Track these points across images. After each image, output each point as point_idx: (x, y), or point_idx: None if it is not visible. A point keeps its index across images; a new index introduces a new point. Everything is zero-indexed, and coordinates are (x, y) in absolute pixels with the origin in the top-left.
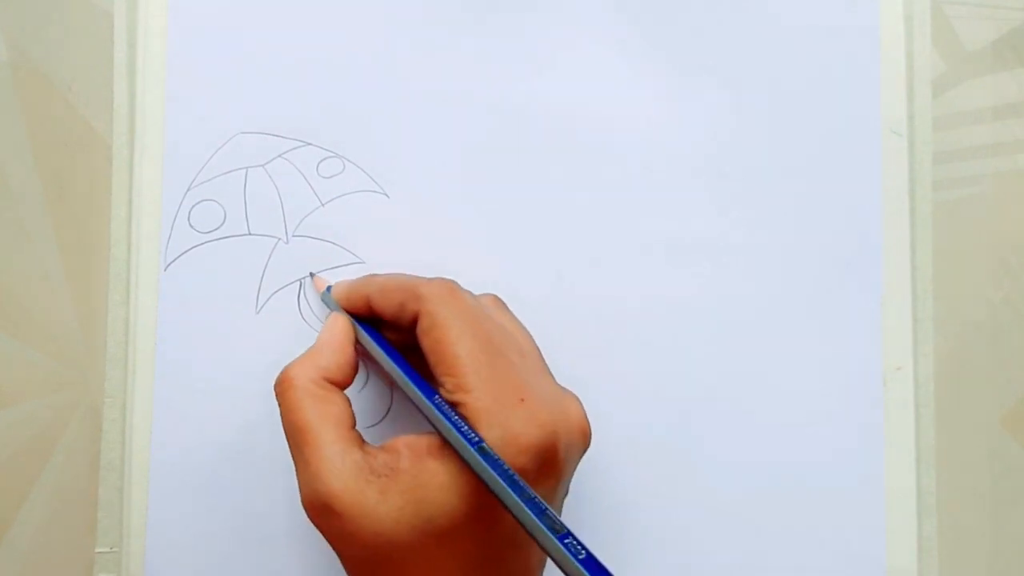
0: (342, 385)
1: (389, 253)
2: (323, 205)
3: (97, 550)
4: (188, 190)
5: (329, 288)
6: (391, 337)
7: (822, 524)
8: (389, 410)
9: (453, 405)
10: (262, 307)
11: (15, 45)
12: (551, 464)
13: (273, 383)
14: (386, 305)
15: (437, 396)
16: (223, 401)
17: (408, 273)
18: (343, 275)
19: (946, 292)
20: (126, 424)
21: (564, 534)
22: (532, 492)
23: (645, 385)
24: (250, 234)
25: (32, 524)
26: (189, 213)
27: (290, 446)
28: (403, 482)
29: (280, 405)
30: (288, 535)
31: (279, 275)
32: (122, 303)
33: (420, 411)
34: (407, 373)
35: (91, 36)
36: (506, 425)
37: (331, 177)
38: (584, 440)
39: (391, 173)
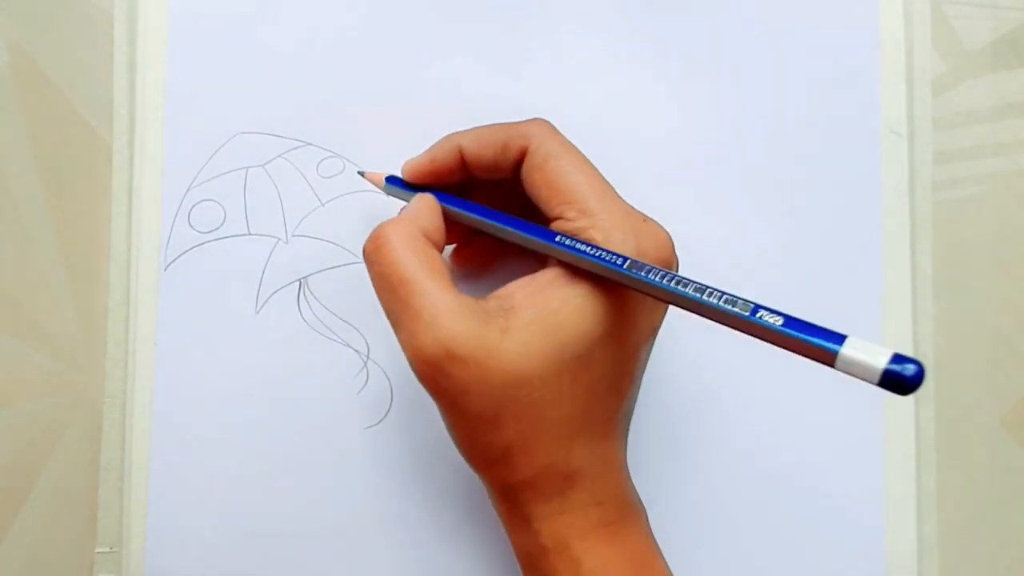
0: (437, 249)
1: None
2: (323, 205)
3: (97, 550)
4: (188, 190)
5: (391, 179)
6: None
7: (822, 524)
8: (389, 410)
9: (577, 233)
10: (262, 307)
11: (15, 45)
12: None
13: (362, 252)
14: (484, 150)
15: (558, 234)
16: (223, 401)
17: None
18: (343, 275)
19: (946, 292)
20: (126, 424)
21: (755, 307)
22: (724, 291)
23: (644, 385)
24: (250, 234)
25: (32, 524)
26: (189, 213)
27: (390, 304)
28: (525, 316)
29: (375, 262)
30: (288, 535)
31: (279, 275)
32: (122, 303)
33: (538, 255)
34: (515, 223)
35: (91, 36)
36: (634, 243)
37: (331, 177)
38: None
39: (391, 173)
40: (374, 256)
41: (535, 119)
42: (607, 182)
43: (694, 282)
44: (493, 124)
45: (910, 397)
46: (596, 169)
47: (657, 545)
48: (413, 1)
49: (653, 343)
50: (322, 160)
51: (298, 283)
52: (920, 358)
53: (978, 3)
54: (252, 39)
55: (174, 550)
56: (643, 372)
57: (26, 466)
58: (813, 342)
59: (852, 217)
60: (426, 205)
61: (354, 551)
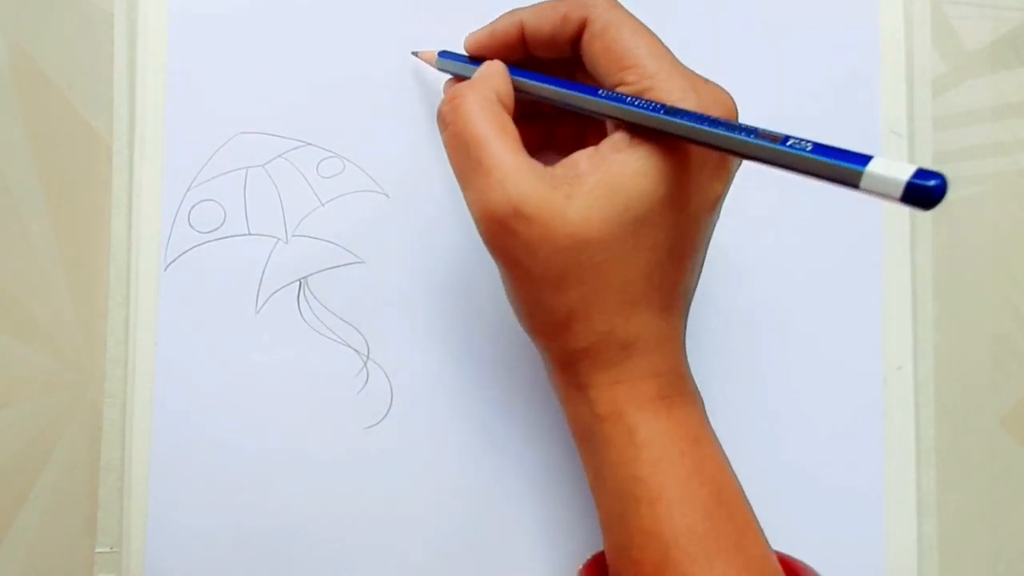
0: (508, 111)
1: (389, 253)
2: (323, 205)
3: (97, 550)
4: (188, 190)
5: (443, 53)
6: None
7: (822, 524)
8: (389, 410)
9: (638, 95)
10: (262, 307)
11: (15, 45)
12: None
13: (437, 114)
14: (544, 23)
15: (600, 90)
16: (223, 401)
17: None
18: (343, 275)
19: (946, 292)
20: (126, 424)
21: (785, 137)
22: (752, 127)
23: None
24: (250, 234)
25: (32, 524)
26: (189, 213)
27: (461, 162)
28: (589, 182)
29: (450, 122)
30: (288, 535)
31: (279, 275)
32: (122, 303)
33: (612, 119)
34: (582, 88)
35: (91, 36)
36: (695, 100)
37: (331, 177)
38: None
39: (391, 173)
40: (450, 116)
41: None
42: (666, 47)
43: (727, 122)
44: (550, 1)
45: (910, 397)
46: (655, 35)
47: (714, 434)
48: (414, 2)
49: (715, 221)
50: (322, 160)
51: (298, 283)
52: (920, 358)
53: (978, 3)
54: (252, 39)
55: (174, 550)
56: (705, 249)
57: (26, 466)
58: (838, 164)
59: (852, 217)
60: (497, 70)
61: (354, 551)
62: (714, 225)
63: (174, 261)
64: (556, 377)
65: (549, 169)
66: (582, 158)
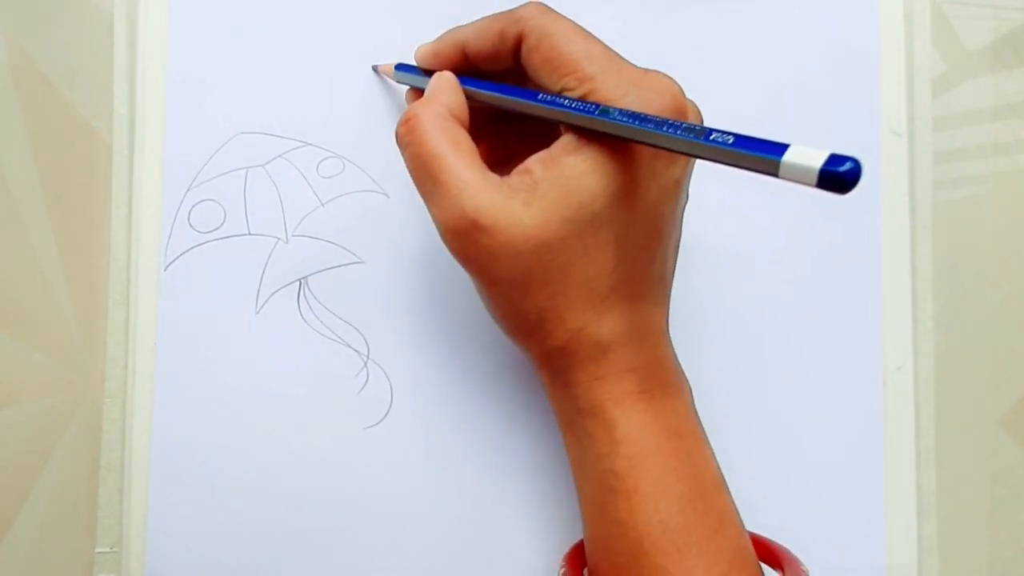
0: (462, 126)
1: (389, 253)
2: (323, 205)
3: (97, 550)
4: (188, 190)
5: (399, 66)
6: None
7: (822, 524)
8: (389, 410)
9: (584, 97)
10: (262, 307)
11: (15, 45)
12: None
13: (395, 136)
14: (484, 42)
15: (564, 98)
16: (223, 401)
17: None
18: (343, 275)
19: (946, 292)
20: (126, 424)
21: (709, 131)
22: (676, 121)
23: None
24: (250, 234)
25: (32, 524)
26: (189, 213)
27: (421, 180)
28: (544, 187)
29: (408, 143)
30: (288, 535)
31: (279, 275)
32: (122, 303)
33: (554, 122)
34: (522, 94)
35: (91, 36)
36: (636, 94)
37: (331, 177)
38: (701, 121)
39: (391, 173)
40: (407, 137)
41: (529, 2)
42: (605, 46)
43: (655, 118)
44: (489, 15)
45: (910, 397)
46: (593, 36)
47: (698, 419)
48: (413, 1)
49: (682, 204)
50: (322, 160)
51: (298, 283)
52: (920, 358)
53: (978, 3)
54: (252, 39)
55: (174, 550)
56: (675, 233)
57: (26, 466)
58: (758, 155)
59: (852, 217)
60: (447, 83)
61: (354, 551)
62: (682, 208)
63: (174, 261)
64: (540, 373)
65: (505, 179)
66: (535, 163)
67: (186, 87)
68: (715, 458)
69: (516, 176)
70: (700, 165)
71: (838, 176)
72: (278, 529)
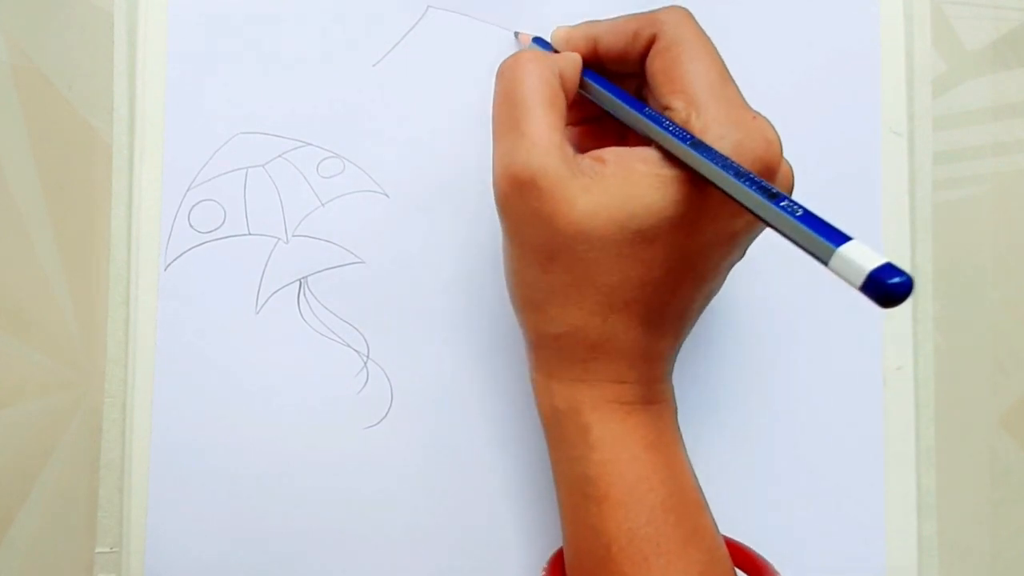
0: (567, 94)
1: (389, 253)
2: (323, 205)
3: (97, 550)
4: (188, 190)
5: (537, 39)
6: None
7: (822, 524)
8: (389, 410)
9: (685, 122)
10: (262, 307)
11: (15, 45)
12: (770, 180)
13: (499, 67)
14: (617, 39)
15: (666, 119)
16: (223, 401)
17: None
18: (343, 275)
19: (946, 292)
20: (126, 424)
21: (781, 196)
22: (756, 177)
23: None
24: (250, 234)
25: (32, 524)
26: (189, 213)
27: (502, 118)
28: (608, 182)
29: (505, 77)
30: (287, 535)
31: (279, 275)
32: (122, 303)
33: (648, 138)
34: (631, 103)
35: (91, 36)
36: (737, 136)
37: (331, 177)
38: (789, 192)
39: (391, 173)
40: (508, 72)
41: (672, 7)
42: (726, 72)
43: (736, 166)
44: (628, 15)
45: (910, 397)
46: (719, 59)
47: (679, 437)
48: (412, 1)
49: (732, 257)
50: (322, 160)
51: (298, 283)
52: (920, 358)
53: (978, 3)
54: (252, 39)
55: (174, 550)
56: (713, 281)
57: (26, 466)
58: (817, 236)
59: (852, 217)
60: (572, 58)
61: (354, 551)
62: (732, 262)
63: (174, 261)
64: (529, 358)
65: (579, 157)
66: (612, 155)
67: (186, 87)
68: (692, 472)
69: (589, 159)
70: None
71: (886, 287)
72: (278, 529)
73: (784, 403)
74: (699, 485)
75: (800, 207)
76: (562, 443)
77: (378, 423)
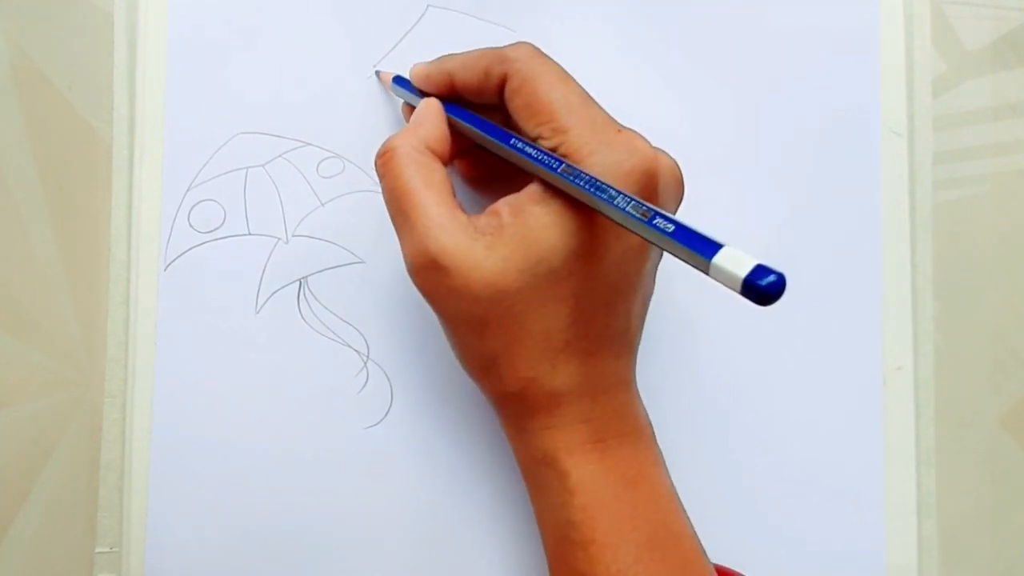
0: (441, 158)
1: (389, 253)
2: (323, 205)
3: (97, 550)
4: (188, 190)
5: (397, 79)
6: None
7: (822, 524)
8: (389, 410)
9: (555, 149)
10: (262, 307)
11: (15, 45)
12: (651, 192)
13: (374, 161)
14: (470, 76)
15: (534, 147)
16: (223, 401)
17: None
18: (343, 275)
19: (946, 292)
20: (126, 424)
21: (654, 214)
22: (626, 195)
23: (644, 385)
24: (250, 234)
25: (32, 524)
26: (189, 213)
27: (393, 213)
28: (508, 234)
29: (383, 175)
30: (287, 535)
31: (279, 275)
32: (122, 303)
33: (523, 169)
34: (496, 134)
35: (91, 36)
36: (606, 153)
37: (331, 177)
38: (678, 188)
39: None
40: (382, 170)
41: (519, 43)
42: (586, 95)
43: (609, 189)
44: (480, 49)
45: (910, 397)
46: (575, 84)
47: (659, 462)
48: (412, 1)
49: (651, 263)
50: (322, 160)
51: (298, 283)
52: (920, 358)
53: (978, 3)
54: (252, 39)
55: (174, 550)
56: (645, 290)
57: (26, 466)
58: (691, 250)
59: (852, 217)
60: (431, 112)
61: (354, 550)
62: (652, 265)
63: (174, 261)
64: (498, 416)
65: (473, 219)
66: (504, 207)
67: (186, 87)
68: (677, 499)
69: (485, 217)
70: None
71: (760, 288)
72: (278, 529)
73: (784, 403)
74: (685, 513)
75: (672, 222)
76: (542, 491)
77: (378, 423)
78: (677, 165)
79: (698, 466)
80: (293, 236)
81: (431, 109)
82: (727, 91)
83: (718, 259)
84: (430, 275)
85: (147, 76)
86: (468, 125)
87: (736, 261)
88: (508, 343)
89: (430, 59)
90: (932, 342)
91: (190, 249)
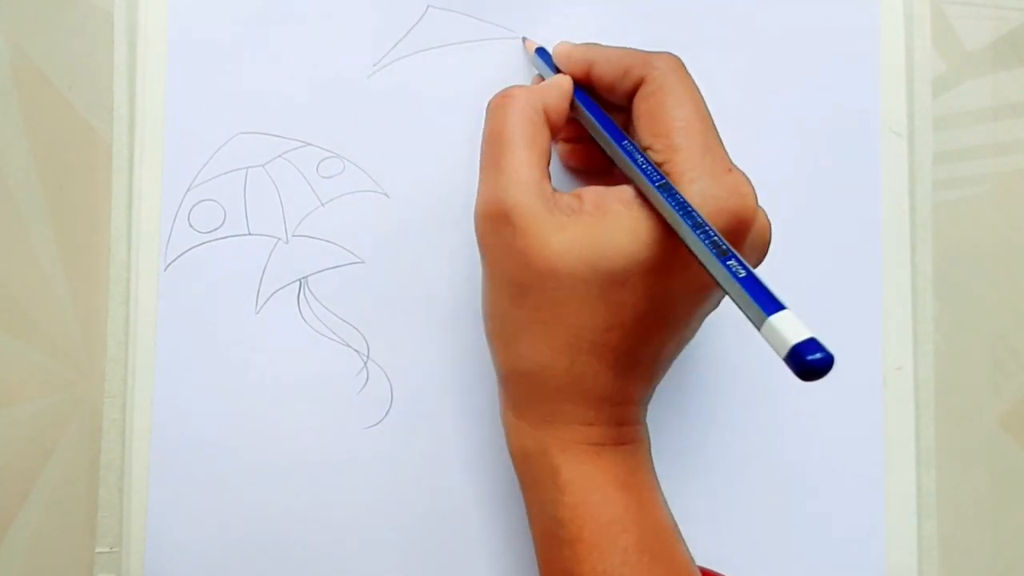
0: (551, 129)
1: (389, 253)
2: (323, 205)
3: (97, 550)
4: (188, 190)
5: (539, 50)
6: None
7: (822, 524)
8: (389, 410)
9: (661, 166)
10: (262, 307)
11: (15, 45)
12: (738, 239)
13: (488, 103)
14: (610, 70)
15: (642, 155)
16: (223, 401)
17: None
18: (343, 275)
19: (946, 292)
20: (126, 424)
21: (730, 254)
22: (712, 229)
23: None
24: (250, 234)
25: (32, 524)
26: (189, 213)
27: (485, 155)
28: (583, 221)
29: (491, 116)
30: (287, 535)
31: (279, 275)
32: (122, 303)
33: (623, 171)
34: (612, 130)
35: (91, 36)
36: (708, 185)
37: (331, 177)
38: (763, 250)
39: (391, 173)
40: (495, 112)
41: (666, 52)
42: (710, 123)
43: (696, 215)
44: (625, 48)
45: (910, 397)
46: (704, 110)
47: (651, 472)
48: (412, 1)
49: (704, 307)
50: (322, 160)
51: (298, 283)
52: (920, 358)
53: (978, 3)
54: (252, 39)
55: (174, 550)
56: (688, 332)
57: (26, 466)
58: (752, 300)
59: (852, 217)
60: (560, 86)
61: (353, 550)
62: (703, 311)
63: (174, 261)
64: (500, 396)
65: (558, 195)
66: (591, 194)
67: (186, 86)
68: (666, 507)
69: (568, 196)
70: None
71: (804, 361)
72: (277, 529)
73: (784, 403)
74: (674, 520)
75: (745, 269)
76: (533, 485)
77: (378, 423)
78: (770, 228)
79: (698, 466)
80: (293, 236)
81: (562, 83)
82: (726, 92)
83: (775, 319)
84: (495, 226)
85: (147, 76)
86: (588, 113)
87: (793, 327)
88: (537, 321)
89: (537, 46)
90: (932, 342)
91: (190, 249)
